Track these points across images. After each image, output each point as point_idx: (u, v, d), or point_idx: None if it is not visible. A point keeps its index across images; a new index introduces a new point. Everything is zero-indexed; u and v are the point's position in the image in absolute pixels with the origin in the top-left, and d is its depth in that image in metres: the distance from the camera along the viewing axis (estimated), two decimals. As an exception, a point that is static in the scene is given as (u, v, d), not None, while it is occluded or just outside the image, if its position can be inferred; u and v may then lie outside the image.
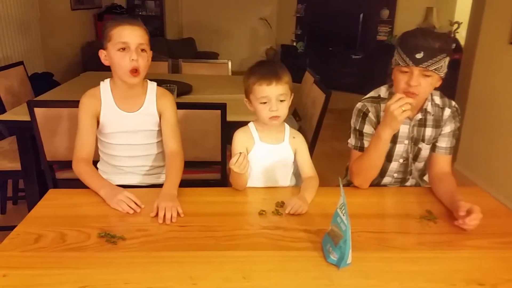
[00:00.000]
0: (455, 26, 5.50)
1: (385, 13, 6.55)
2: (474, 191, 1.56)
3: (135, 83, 1.57)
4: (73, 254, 1.11)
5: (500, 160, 3.17)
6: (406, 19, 6.44)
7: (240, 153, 1.37)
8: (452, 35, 5.54)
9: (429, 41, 1.35)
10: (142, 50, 1.54)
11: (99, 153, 1.74)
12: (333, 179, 1.84)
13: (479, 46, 3.49)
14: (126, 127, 1.64)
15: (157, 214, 1.30)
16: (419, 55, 1.36)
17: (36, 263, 1.07)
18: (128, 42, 1.50)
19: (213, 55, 6.49)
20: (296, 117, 3.31)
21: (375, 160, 1.51)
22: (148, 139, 1.70)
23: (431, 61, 1.35)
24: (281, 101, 1.45)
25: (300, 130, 2.99)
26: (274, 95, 1.43)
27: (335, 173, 1.79)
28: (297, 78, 3.44)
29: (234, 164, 1.36)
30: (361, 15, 6.53)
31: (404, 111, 1.35)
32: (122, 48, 1.51)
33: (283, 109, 1.46)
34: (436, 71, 1.37)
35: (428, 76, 1.38)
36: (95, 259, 1.10)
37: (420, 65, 1.36)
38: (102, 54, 1.57)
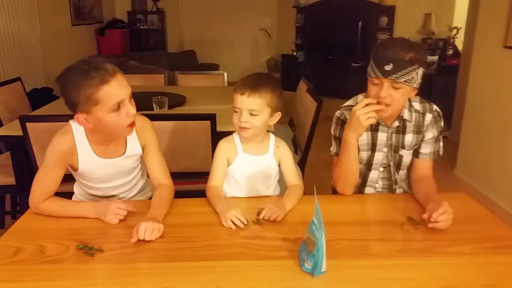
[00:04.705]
0: (454, 31, 5.49)
1: (384, 20, 6.57)
2: (458, 197, 1.54)
3: (131, 133, 1.44)
4: (50, 266, 1.12)
5: (500, 164, 3.14)
6: (405, 26, 6.48)
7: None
8: (452, 41, 5.53)
9: (398, 52, 1.34)
10: (131, 97, 1.36)
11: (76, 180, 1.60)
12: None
13: (474, 51, 3.48)
14: (107, 173, 1.50)
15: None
16: (388, 67, 1.34)
17: (12, 276, 1.08)
18: (122, 99, 1.30)
19: (214, 67, 6.53)
20: (292, 126, 3.31)
21: (347, 165, 1.50)
22: (131, 175, 1.58)
23: (400, 73, 1.34)
24: (253, 115, 1.42)
25: (294, 139, 3.02)
26: (245, 107, 1.41)
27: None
28: (297, 87, 3.45)
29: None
30: (360, 23, 6.55)
31: (369, 117, 1.37)
32: (117, 108, 1.31)
33: (254, 123, 1.42)
34: (406, 83, 1.35)
35: (398, 88, 1.37)
36: (71, 272, 1.10)
37: (389, 77, 1.35)
38: (80, 118, 1.31)
